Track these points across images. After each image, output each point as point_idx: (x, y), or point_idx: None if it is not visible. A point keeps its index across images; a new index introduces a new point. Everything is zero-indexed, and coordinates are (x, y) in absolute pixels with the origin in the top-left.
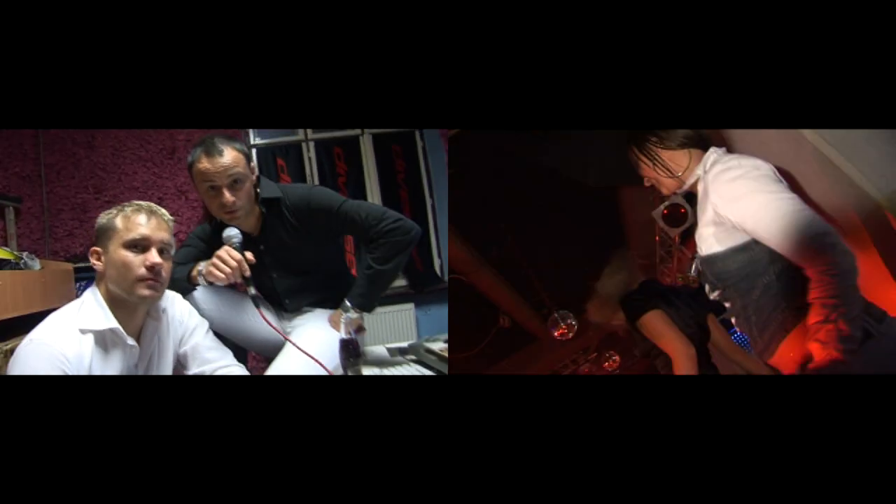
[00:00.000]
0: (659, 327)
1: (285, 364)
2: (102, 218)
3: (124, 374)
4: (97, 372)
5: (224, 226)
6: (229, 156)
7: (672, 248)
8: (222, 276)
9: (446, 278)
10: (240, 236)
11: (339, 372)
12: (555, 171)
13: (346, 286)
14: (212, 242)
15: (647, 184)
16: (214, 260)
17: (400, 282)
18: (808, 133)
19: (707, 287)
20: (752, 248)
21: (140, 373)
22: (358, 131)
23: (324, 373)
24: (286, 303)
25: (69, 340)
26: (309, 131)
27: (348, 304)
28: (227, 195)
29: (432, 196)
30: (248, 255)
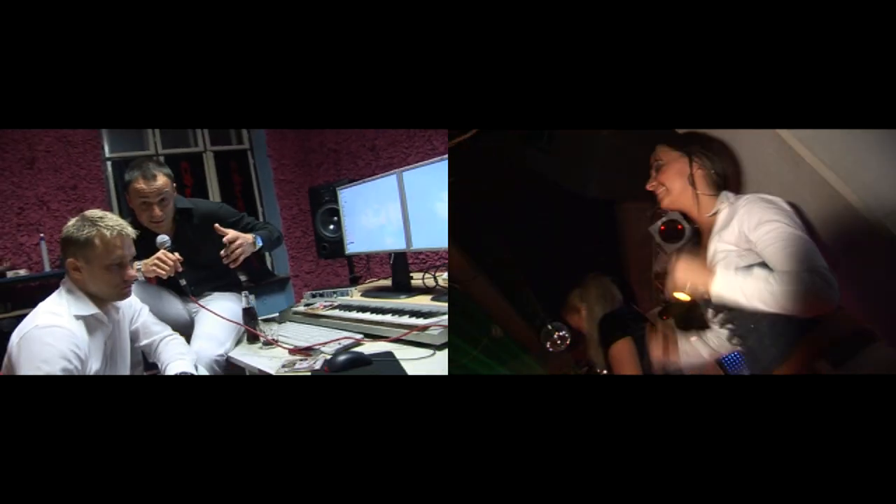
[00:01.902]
0: (625, 360)
1: (206, 328)
2: (76, 232)
3: (101, 348)
4: (88, 347)
5: (144, 231)
6: (161, 180)
7: (667, 266)
8: (163, 272)
9: (284, 274)
10: (170, 241)
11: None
12: (555, 183)
13: (234, 275)
14: (136, 245)
15: (649, 187)
16: (155, 261)
17: (242, 277)
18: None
19: (710, 312)
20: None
21: (109, 345)
22: (202, 148)
23: (236, 328)
24: (192, 289)
25: (72, 323)
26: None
27: (253, 236)
28: (157, 210)
29: (262, 205)
30: (177, 255)
